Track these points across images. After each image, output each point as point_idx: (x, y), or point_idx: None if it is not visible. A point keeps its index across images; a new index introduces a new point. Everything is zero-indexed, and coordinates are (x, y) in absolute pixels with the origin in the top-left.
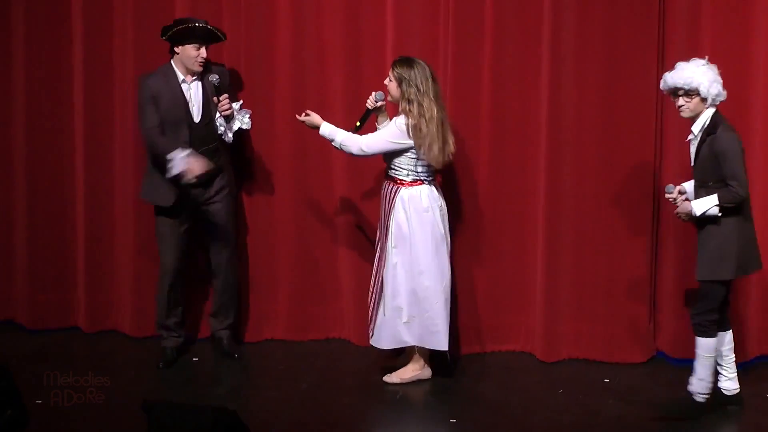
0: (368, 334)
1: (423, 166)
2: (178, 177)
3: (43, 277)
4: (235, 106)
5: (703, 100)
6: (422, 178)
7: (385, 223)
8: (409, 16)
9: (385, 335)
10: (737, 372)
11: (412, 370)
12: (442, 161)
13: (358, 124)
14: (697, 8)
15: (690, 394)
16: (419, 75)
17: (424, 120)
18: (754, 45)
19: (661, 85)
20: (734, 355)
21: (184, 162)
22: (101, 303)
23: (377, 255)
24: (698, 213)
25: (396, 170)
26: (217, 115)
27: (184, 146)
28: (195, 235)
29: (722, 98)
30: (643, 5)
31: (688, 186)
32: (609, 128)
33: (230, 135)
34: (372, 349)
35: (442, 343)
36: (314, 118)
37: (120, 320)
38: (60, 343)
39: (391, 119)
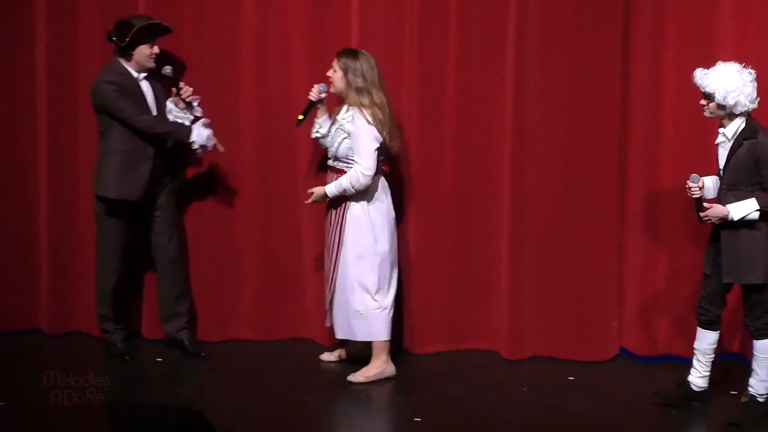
0: (328, 327)
1: (382, 155)
2: (203, 148)
3: (5, 279)
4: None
5: (721, 106)
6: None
7: (339, 217)
8: (374, 16)
9: (357, 330)
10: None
11: (376, 367)
12: (397, 146)
13: (300, 117)
14: (662, 7)
15: (753, 397)
16: (364, 64)
17: (377, 108)
18: (719, 42)
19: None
20: (713, 355)
21: (204, 134)
22: (65, 305)
23: (333, 250)
24: (737, 217)
25: (348, 164)
26: (170, 108)
27: (147, 144)
28: (140, 233)
29: (746, 108)
30: (607, 4)
31: (710, 182)
32: (573, 127)
33: (188, 123)
34: (333, 349)
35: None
36: (317, 191)
37: (84, 322)
38: (22, 345)
39: (331, 113)
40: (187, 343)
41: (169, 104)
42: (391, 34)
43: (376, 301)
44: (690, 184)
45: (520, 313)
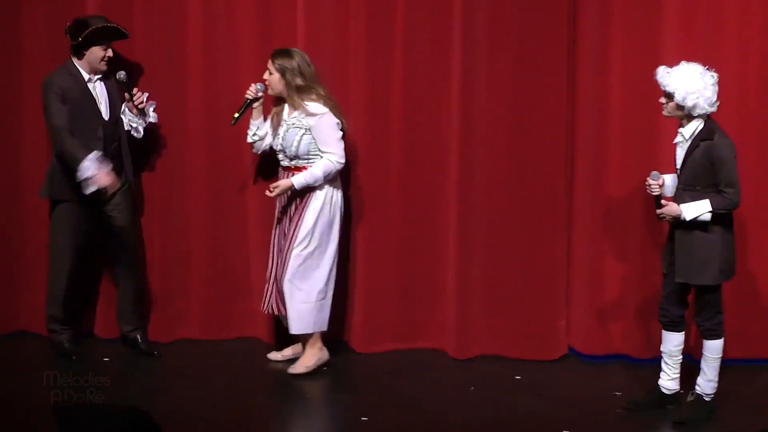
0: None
1: None
2: (86, 180)
3: None
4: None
5: (679, 107)
6: None
7: (299, 212)
8: (320, 17)
9: (314, 320)
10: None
11: (313, 355)
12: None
13: (236, 115)
14: (608, 8)
15: (700, 396)
16: (301, 62)
17: (327, 99)
18: (664, 43)
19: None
20: (681, 357)
21: (95, 167)
22: (11, 304)
23: (285, 243)
24: (689, 218)
25: (310, 160)
26: (124, 110)
27: (96, 144)
28: (94, 234)
29: (704, 111)
30: (553, 6)
31: (669, 180)
32: (520, 130)
33: (141, 130)
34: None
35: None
36: (283, 183)
37: (29, 321)
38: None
39: (267, 114)
40: (140, 341)
41: (124, 107)
42: (337, 38)
43: (324, 292)
44: (650, 181)
45: (467, 312)
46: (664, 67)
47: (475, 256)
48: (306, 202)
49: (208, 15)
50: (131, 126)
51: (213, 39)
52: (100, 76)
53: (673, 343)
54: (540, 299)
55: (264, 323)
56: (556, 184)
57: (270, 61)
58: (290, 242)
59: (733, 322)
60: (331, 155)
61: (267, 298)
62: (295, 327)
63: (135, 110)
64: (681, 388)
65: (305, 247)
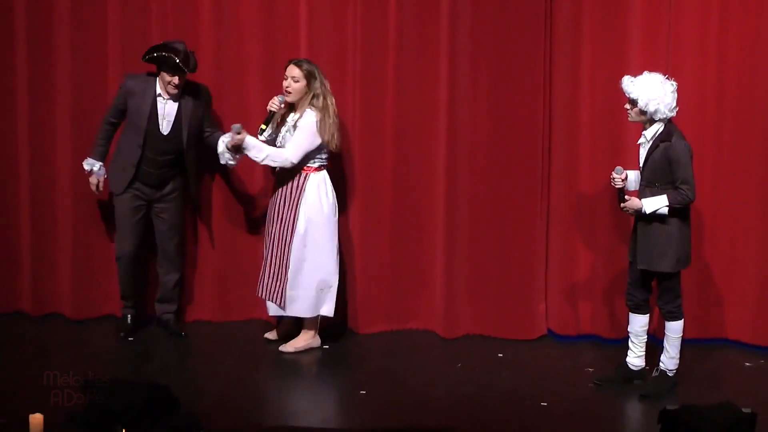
0: (274, 303)
1: (326, 152)
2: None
3: None
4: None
5: (642, 112)
6: (324, 164)
7: (293, 207)
8: (320, 26)
9: (307, 305)
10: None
11: (305, 339)
12: (337, 146)
13: (263, 127)
14: (579, 19)
15: (663, 372)
16: (318, 70)
17: (328, 112)
18: (629, 52)
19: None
20: (646, 336)
21: (89, 168)
22: (45, 288)
23: (282, 238)
24: (648, 211)
25: (305, 160)
26: (223, 143)
27: (136, 150)
28: (149, 226)
29: (664, 116)
30: (531, 17)
31: (633, 175)
32: (501, 130)
33: (233, 163)
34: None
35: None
36: (244, 136)
37: (61, 304)
38: (7, 326)
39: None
40: (171, 324)
41: (223, 142)
42: (336, 47)
43: (325, 281)
44: (614, 175)
45: (454, 296)
46: (628, 76)
47: (461, 246)
48: (300, 193)
49: (217, 27)
50: (226, 158)
51: (223, 50)
52: (171, 97)
53: (638, 324)
54: (520, 285)
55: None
56: (533, 182)
57: (293, 67)
58: (290, 232)
59: (692, 307)
60: (287, 153)
61: (261, 283)
62: (291, 309)
63: (231, 151)
64: (646, 365)
65: (304, 237)
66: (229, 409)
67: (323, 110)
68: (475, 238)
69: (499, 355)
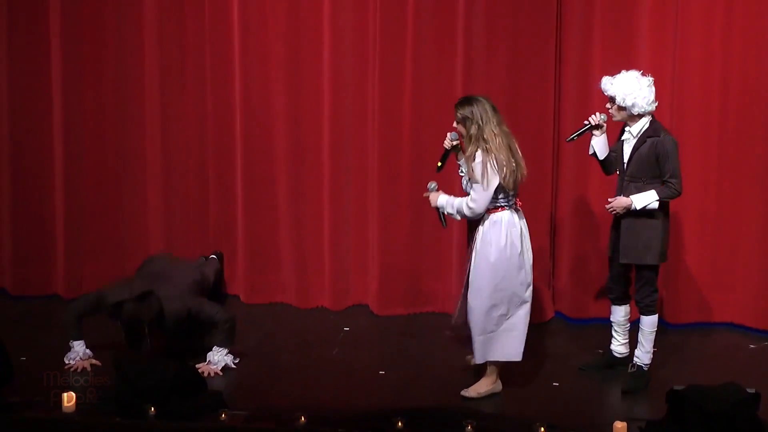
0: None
1: (502, 193)
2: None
3: (26, 249)
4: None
5: (622, 108)
6: (502, 204)
7: (471, 248)
8: (342, 21)
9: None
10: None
11: (486, 384)
12: (513, 184)
13: (439, 164)
14: (590, 20)
15: (640, 367)
16: (478, 110)
17: (493, 153)
18: (638, 47)
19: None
20: (629, 325)
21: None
22: (77, 273)
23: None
24: (639, 207)
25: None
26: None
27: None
28: None
29: (643, 110)
30: (542, 14)
31: (601, 140)
32: (514, 127)
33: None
34: (309, 312)
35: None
36: (432, 196)
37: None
38: (41, 308)
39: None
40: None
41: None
42: (357, 45)
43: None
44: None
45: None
46: (607, 77)
47: None
48: (476, 239)
49: (245, 27)
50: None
51: (248, 48)
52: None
53: (620, 314)
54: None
55: (293, 291)
56: (543, 170)
57: (455, 111)
58: (466, 275)
59: (697, 292)
60: (467, 202)
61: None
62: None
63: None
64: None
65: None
66: (252, 389)
67: (486, 151)
68: None
69: None
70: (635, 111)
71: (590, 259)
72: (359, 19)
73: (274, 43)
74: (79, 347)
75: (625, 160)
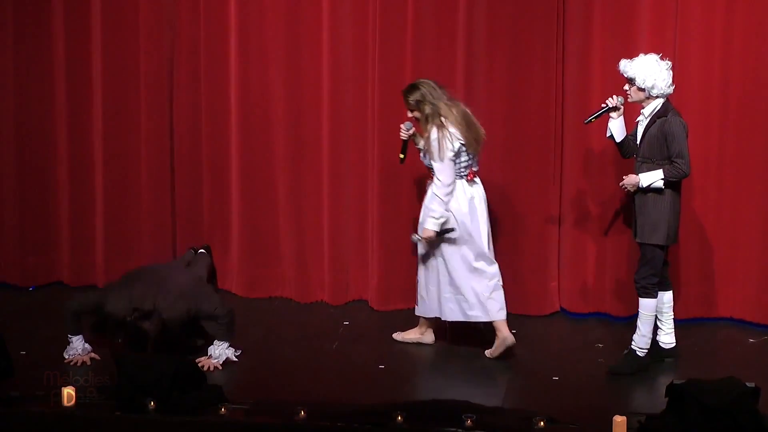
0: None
1: (464, 161)
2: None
3: (33, 239)
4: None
5: (641, 90)
6: (462, 174)
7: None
8: (341, 18)
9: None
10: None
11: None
12: (474, 152)
13: (401, 156)
14: (590, 11)
15: (633, 350)
16: (426, 91)
17: (447, 127)
18: (638, 41)
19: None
20: (673, 313)
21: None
22: (82, 262)
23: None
24: (645, 184)
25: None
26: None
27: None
28: None
29: (662, 91)
30: (544, 8)
31: (618, 123)
32: (516, 121)
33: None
34: (309, 306)
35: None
36: (424, 235)
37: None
38: (43, 299)
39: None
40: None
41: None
42: (357, 40)
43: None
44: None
45: None
46: (625, 59)
47: None
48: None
49: (243, 25)
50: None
51: (246, 45)
52: None
53: (661, 301)
54: (534, 263)
55: (293, 285)
56: (546, 165)
57: (404, 100)
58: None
59: (697, 286)
60: (439, 182)
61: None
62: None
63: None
64: (676, 342)
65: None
66: (252, 383)
67: (440, 127)
68: (492, 219)
69: (513, 331)
70: (654, 92)
71: (594, 254)
72: (359, 12)
73: (273, 37)
74: (77, 342)
75: (638, 140)
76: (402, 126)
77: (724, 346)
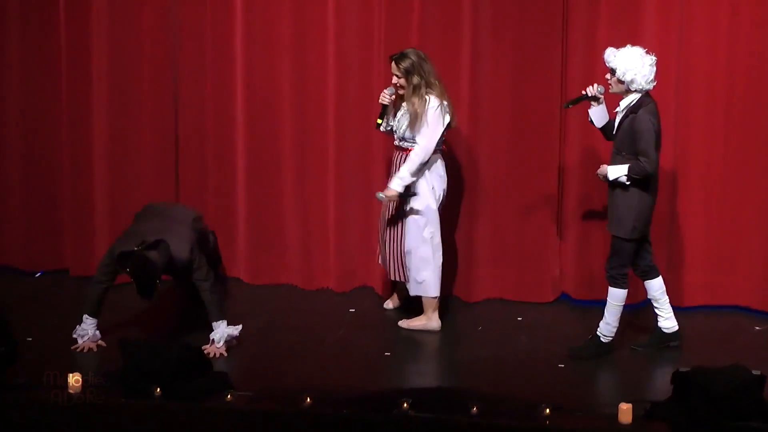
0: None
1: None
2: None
3: (38, 227)
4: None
5: (621, 82)
6: (437, 149)
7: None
8: (347, 4)
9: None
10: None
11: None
12: (453, 126)
13: (379, 121)
14: (596, 4)
15: (597, 336)
16: (418, 61)
17: (443, 97)
18: (644, 31)
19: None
20: (668, 297)
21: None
22: (85, 249)
23: (396, 218)
24: (611, 177)
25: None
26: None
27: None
28: None
29: (641, 86)
30: (549, 1)
31: (599, 111)
32: (520, 108)
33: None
34: (315, 294)
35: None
36: (388, 194)
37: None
38: (52, 284)
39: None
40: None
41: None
42: (363, 23)
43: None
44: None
45: (474, 262)
46: (611, 48)
47: (481, 215)
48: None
49: (249, 9)
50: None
51: (253, 30)
52: None
53: (654, 289)
54: (538, 252)
55: (298, 272)
56: (550, 152)
57: (393, 66)
58: (403, 218)
59: (702, 275)
60: (420, 150)
61: (390, 267)
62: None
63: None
64: (678, 326)
65: (416, 225)
66: (257, 370)
67: (441, 97)
68: (494, 206)
69: (519, 318)
70: (633, 87)
71: (597, 240)
72: (364, 3)
73: (279, 25)
74: (90, 326)
75: (614, 131)
76: (385, 91)
77: (729, 333)
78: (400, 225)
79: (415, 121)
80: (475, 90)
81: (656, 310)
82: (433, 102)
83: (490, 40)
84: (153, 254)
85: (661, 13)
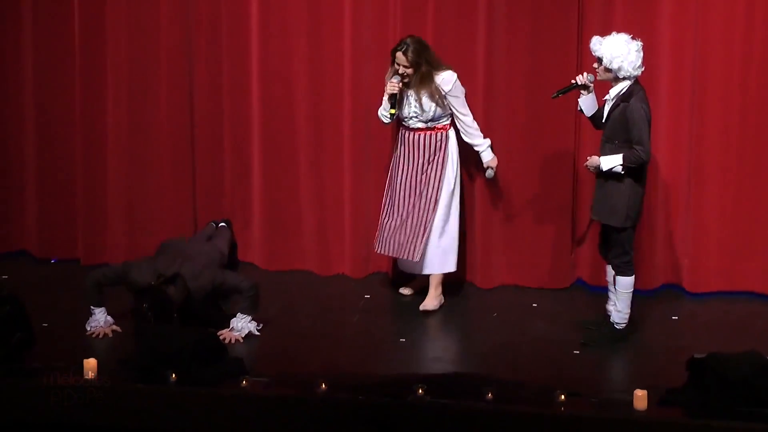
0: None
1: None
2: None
3: (52, 214)
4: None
5: (608, 70)
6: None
7: (437, 166)
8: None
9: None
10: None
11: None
12: None
13: (392, 111)
14: (611, 0)
15: (611, 324)
16: (422, 48)
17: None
18: (659, 23)
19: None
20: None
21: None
22: (96, 239)
23: (425, 192)
24: (605, 168)
25: (445, 118)
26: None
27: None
28: None
29: (629, 74)
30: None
31: (589, 99)
32: (535, 86)
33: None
34: (330, 279)
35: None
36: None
37: (113, 255)
38: (68, 270)
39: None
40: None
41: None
42: (378, 8)
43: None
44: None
45: (490, 248)
46: (597, 36)
47: (496, 201)
48: (445, 151)
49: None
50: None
51: (268, 18)
52: None
53: (611, 274)
54: (552, 238)
55: (313, 258)
56: (565, 139)
57: (401, 56)
58: (436, 192)
59: (718, 261)
60: (468, 120)
61: (384, 241)
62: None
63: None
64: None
65: (448, 198)
66: (273, 355)
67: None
68: (509, 193)
69: (534, 304)
70: (621, 74)
71: None
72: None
73: (295, 10)
74: (100, 314)
75: (604, 120)
76: (393, 80)
77: (744, 319)
78: (432, 198)
79: (441, 100)
80: (490, 78)
81: (610, 294)
82: (449, 75)
83: (505, 30)
84: (171, 290)
85: (677, 5)
